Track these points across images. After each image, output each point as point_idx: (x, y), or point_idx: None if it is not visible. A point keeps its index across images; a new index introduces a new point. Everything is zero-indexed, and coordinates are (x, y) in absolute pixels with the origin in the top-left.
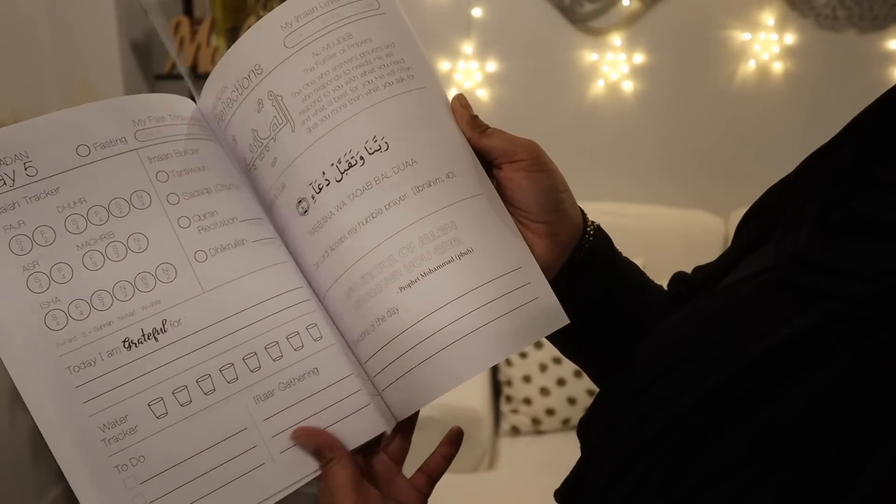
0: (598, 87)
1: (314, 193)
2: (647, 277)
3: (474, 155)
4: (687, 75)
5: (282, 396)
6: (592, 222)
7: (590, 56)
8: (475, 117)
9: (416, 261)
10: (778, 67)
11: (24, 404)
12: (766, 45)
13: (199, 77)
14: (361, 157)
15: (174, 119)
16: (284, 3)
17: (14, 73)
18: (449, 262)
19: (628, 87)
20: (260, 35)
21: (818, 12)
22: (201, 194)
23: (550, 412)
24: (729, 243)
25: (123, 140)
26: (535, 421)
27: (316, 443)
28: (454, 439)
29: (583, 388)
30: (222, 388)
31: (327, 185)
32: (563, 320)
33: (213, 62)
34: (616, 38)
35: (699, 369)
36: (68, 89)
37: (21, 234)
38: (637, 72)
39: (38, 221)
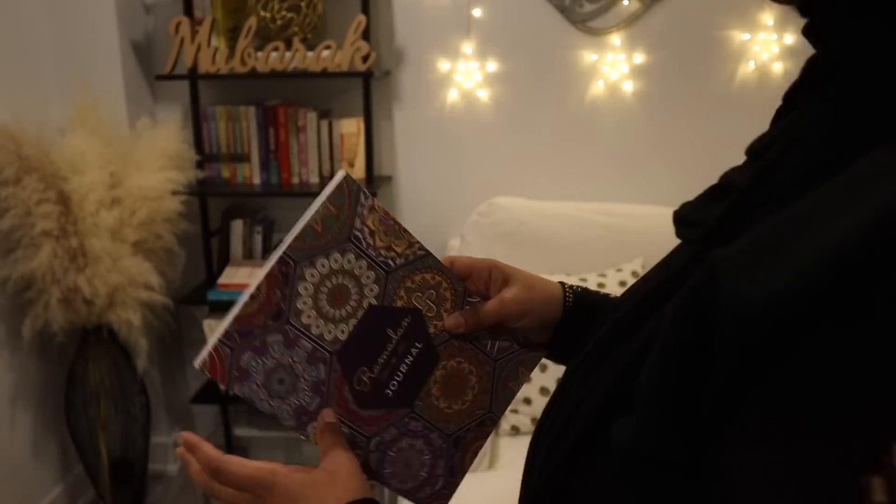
0: (598, 87)
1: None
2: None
3: None
4: (687, 75)
5: None
6: (570, 291)
7: (590, 56)
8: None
9: None
10: (778, 67)
11: (24, 404)
12: (765, 45)
13: (200, 77)
14: None
15: None
16: None
17: (14, 73)
18: None
19: (628, 87)
20: None
21: None
22: None
23: None
24: None
25: None
26: (535, 421)
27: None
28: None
29: None
30: None
31: None
32: None
33: (214, 62)
34: (616, 38)
35: (613, 315)
36: (68, 89)
37: None
38: (637, 72)
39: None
